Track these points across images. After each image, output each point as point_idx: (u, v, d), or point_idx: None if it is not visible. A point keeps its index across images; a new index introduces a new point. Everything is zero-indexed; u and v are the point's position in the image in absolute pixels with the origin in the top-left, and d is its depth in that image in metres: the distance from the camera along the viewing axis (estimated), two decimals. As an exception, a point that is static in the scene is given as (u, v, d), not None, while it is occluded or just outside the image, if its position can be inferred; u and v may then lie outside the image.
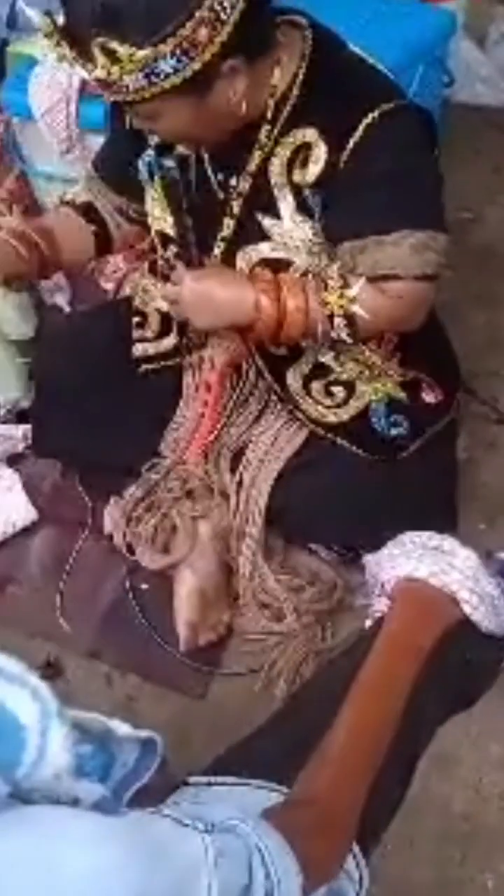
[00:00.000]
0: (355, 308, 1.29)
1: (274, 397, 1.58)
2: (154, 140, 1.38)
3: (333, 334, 1.33)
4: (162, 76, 1.12)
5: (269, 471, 1.57)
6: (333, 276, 1.30)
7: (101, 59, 1.10)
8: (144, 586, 1.71)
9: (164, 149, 1.37)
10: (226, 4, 1.09)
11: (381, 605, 1.07)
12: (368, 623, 1.10)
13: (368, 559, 1.10)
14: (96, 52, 1.10)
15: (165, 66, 1.10)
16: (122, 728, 0.85)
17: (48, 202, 2.35)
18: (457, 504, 1.64)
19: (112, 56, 1.09)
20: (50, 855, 0.61)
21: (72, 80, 2.06)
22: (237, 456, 1.62)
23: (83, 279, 2.25)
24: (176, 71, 1.11)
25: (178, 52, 1.09)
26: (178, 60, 1.10)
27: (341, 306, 1.29)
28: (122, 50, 1.08)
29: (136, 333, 1.64)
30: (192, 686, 1.59)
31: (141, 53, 1.08)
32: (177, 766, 1.44)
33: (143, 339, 1.64)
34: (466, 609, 1.00)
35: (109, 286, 2.21)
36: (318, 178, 1.28)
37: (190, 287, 1.35)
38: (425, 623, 0.99)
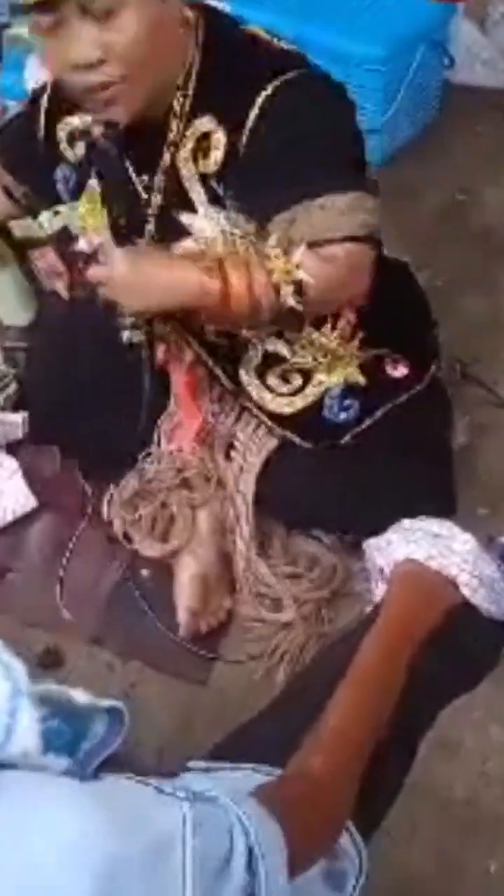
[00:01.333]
0: (300, 274, 1.21)
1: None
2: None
3: (282, 303, 1.22)
4: None
5: (254, 462, 1.57)
6: (274, 246, 1.22)
7: None
8: (145, 572, 1.70)
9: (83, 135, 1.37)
10: None
11: (379, 590, 1.07)
12: (369, 608, 1.10)
13: (367, 544, 1.10)
14: None
15: None
16: (81, 697, 0.84)
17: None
18: (454, 488, 1.63)
19: None
20: (19, 821, 0.61)
21: (68, 64, 2.05)
22: (230, 446, 1.62)
23: (81, 265, 2.23)
24: None
25: None
26: None
27: (287, 272, 1.20)
28: None
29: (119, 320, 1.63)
30: (194, 672, 1.59)
31: None
32: (178, 751, 1.46)
33: (124, 326, 1.62)
34: (466, 592, 1.00)
35: (107, 272, 2.20)
36: (220, 165, 1.27)
37: (122, 267, 1.26)
38: (423, 605, 0.99)
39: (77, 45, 1.14)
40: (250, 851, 0.70)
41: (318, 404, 1.51)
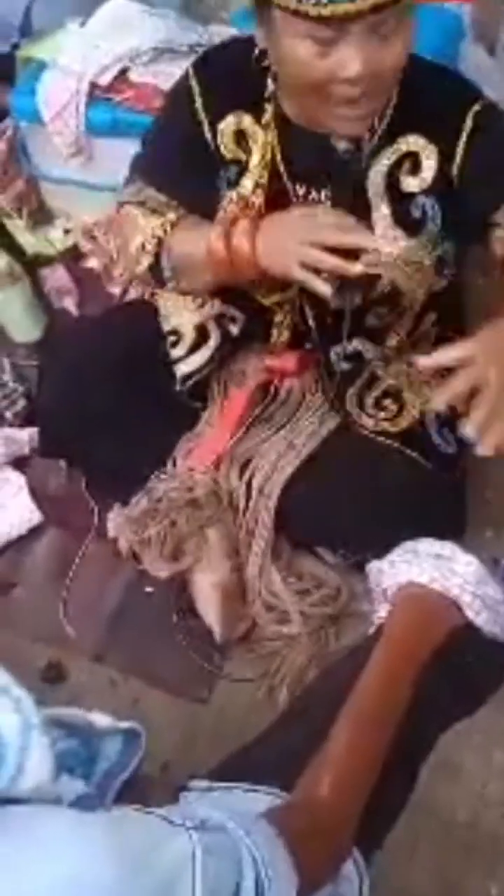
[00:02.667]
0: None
1: (297, 416, 1.60)
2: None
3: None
4: None
5: (282, 474, 1.57)
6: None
7: None
8: (149, 590, 1.71)
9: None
10: None
11: (383, 612, 1.07)
12: (372, 629, 1.10)
13: (371, 567, 1.10)
14: None
15: None
16: (102, 721, 0.85)
17: (55, 206, 2.36)
18: (466, 511, 1.63)
19: None
20: (30, 860, 0.61)
21: (80, 84, 2.07)
22: (245, 465, 1.62)
23: (91, 282, 2.25)
24: None
25: None
26: None
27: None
28: None
29: (171, 353, 1.63)
30: (196, 691, 1.59)
31: None
32: (180, 769, 1.45)
33: (177, 360, 1.62)
34: (469, 614, 1.00)
35: (116, 290, 2.21)
36: (432, 183, 1.30)
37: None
38: (426, 628, 0.99)
39: (355, 60, 1.13)
40: (258, 880, 0.71)
41: (422, 426, 1.52)
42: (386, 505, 1.50)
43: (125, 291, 2.16)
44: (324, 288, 1.23)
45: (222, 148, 1.40)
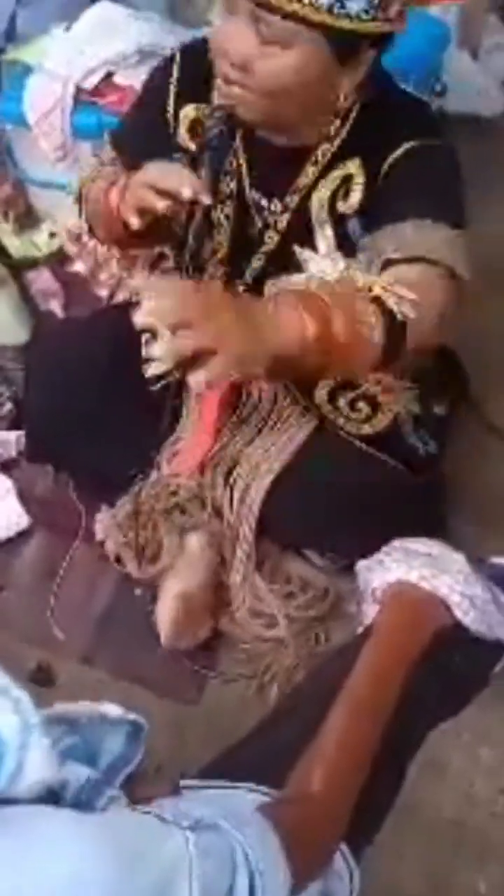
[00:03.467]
0: (401, 290, 1.09)
1: (272, 420, 1.58)
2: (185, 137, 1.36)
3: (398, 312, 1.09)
4: (342, 12, 1.08)
5: (263, 478, 1.58)
6: (363, 270, 1.22)
7: None
8: (137, 592, 1.71)
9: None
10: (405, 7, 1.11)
11: (371, 611, 1.08)
12: (360, 629, 1.11)
13: (360, 566, 1.11)
14: None
15: (354, 5, 1.08)
16: (112, 710, 0.85)
17: (41, 209, 2.36)
18: (445, 511, 1.64)
19: None
20: (26, 859, 0.61)
21: (66, 88, 2.07)
22: (230, 471, 1.62)
23: (77, 285, 2.25)
24: (357, 17, 1.09)
25: (373, 2, 1.09)
26: (366, 11, 1.09)
27: (385, 288, 1.09)
28: None
29: (145, 352, 1.62)
30: (186, 692, 1.60)
31: None
32: (172, 770, 1.46)
33: (152, 358, 1.61)
34: (457, 613, 1.01)
35: (104, 293, 2.21)
36: (360, 204, 1.29)
37: (218, 295, 1.10)
38: (415, 626, 1.00)
39: (228, 35, 1.15)
40: (252, 879, 0.71)
41: (396, 429, 1.52)
42: (363, 510, 1.52)
43: (112, 295, 2.17)
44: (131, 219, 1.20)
45: (178, 134, 1.40)
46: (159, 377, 1.59)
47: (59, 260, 2.30)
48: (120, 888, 0.62)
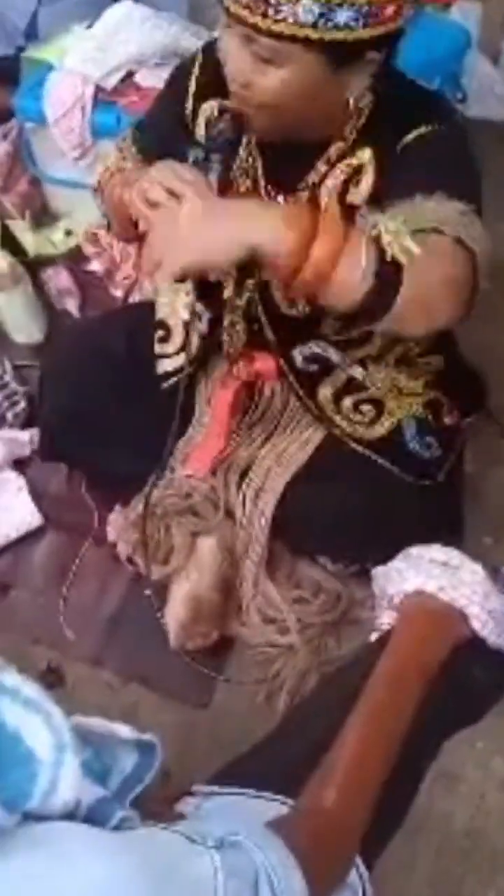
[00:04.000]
0: (408, 242, 1.04)
1: (285, 421, 1.57)
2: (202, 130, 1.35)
3: (370, 272, 1.04)
4: (330, 24, 1.05)
5: (275, 484, 1.57)
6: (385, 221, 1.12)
7: None
8: (148, 593, 1.70)
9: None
10: (408, 2, 1.06)
11: (387, 618, 1.07)
12: (374, 636, 1.10)
13: (376, 572, 1.10)
14: None
15: (342, 15, 1.05)
16: (124, 731, 0.84)
17: (58, 208, 2.36)
18: (464, 519, 1.63)
19: None
20: (58, 875, 0.60)
21: (86, 87, 2.07)
22: (244, 475, 1.62)
23: (93, 285, 2.25)
24: (345, 27, 1.06)
25: (364, 10, 1.05)
26: (356, 19, 1.05)
27: (398, 235, 1.05)
28: None
29: (157, 348, 1.63)
30: (195, 695, 1.59)
31: None
32: (179, 774, 1.45)
33: (164, 355, 1.62)
34: (475, 625, 1.00)
35: (119, 293, 2.21)
36: (370, 192, 1.27)
37: (197, 199, 1.10)
38: (434, 638, 0.99)
39: (234, 62, 1.16)
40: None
41: (397, 436, 1.50)
42: (372, 516, 1.50)
43: (128, 295, 2.16)
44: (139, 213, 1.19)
45: (196, 128, 1.39)
46: (170, 374, 1.60)
47: (75, 259, 2.30)
48: None
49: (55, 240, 2.32)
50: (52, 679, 1.60)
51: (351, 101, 1.19)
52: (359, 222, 1.19)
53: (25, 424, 1.95)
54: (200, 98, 1.38)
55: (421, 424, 1.52)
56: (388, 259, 1.04)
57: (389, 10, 1.07)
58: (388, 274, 1.04)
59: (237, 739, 1.22)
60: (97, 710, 1.54)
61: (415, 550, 1.08)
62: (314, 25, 1.05)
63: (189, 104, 1.40)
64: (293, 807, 0.91)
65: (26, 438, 1.90)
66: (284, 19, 1.06)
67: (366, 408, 1.49)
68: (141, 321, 1.67)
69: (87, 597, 1.72)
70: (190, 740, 1.52)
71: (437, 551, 1.05)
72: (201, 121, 1.39)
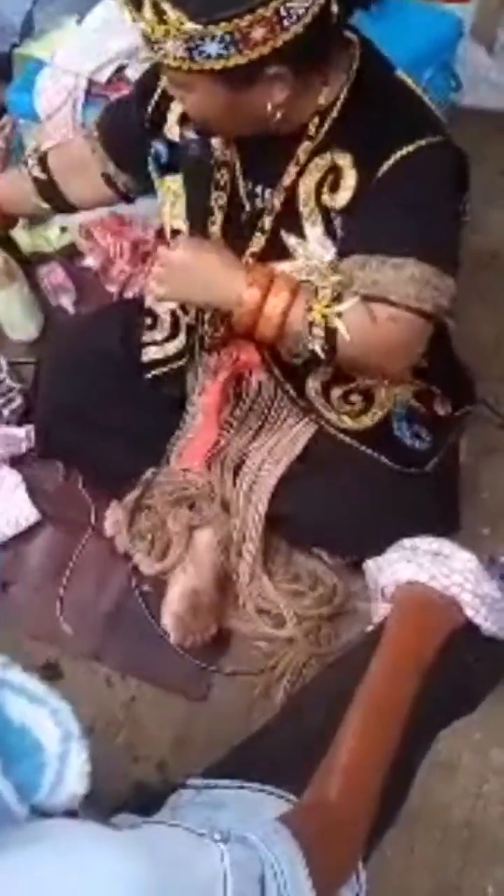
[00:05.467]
0: (337, 322, 1.24)
1: (275, 412, 1.57)
2: (174, 130, 1.37)
3: (308, 344, 1.28)
4: (203, 56, 1.08)
5: (268, 478, 1.56)
6: (328, 287, 1.26)
7: (149, 13, 1.06)
8: (146, 588, 1.70)
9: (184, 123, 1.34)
10: (292, 13, 1.05)
11: (382, 610, 1.07)
12: (370, 628, 1.10)
13: (368, 564, 1.10)
14: (147, 4, 1.06)
15: (210, 48, 1.07)
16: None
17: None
18: (458, 509, 1.63)
19: (161, 16, 1.05)
20: (70, 872, 0.61)
21: (77, 83, 2.06)
22: (238, 468, 1.61)
23: (88, 281, 2.25)
24: (219, 56, 1.07)
25: (227, 39, 1.06)
26: (225, 48, 1.07)
27: (324, 317, 1.24)
28: (171, 14, 1.05)
29: (145, 336, 1.63)
30: (193, 689, 1.59)
31: (189, 25, 1.05)
32: (176, 767, 1.45)
33: (152, 343, 1.62)
34: (469, 612, 1.00)
35: (114, 289, 2.21)
36: (347, 204, 1.26)
37: (181, 252, 1.32)
38: (428, 627, 0.99)
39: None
40: (278, 890, 0.71)
41: (386, 426, 1.51)
42: (365, 508, 1.51)
43: (122, 290, 2.16)
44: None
45: (166, 125, 1.40)
46: (156, 363, 1.60)
47: (70, 256, 2.29)
48: None
49: (50, 236, 2.31)
50: (50, 674, 1.60)
51: (276, 114, 1.19)
52: (335, 225, 1.28)
53: (21, 421, 1.95)
54: (168, 98, 1.38)
55: (411, 414, 1.52)
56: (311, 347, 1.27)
57: (257, 34, 1.06)
58: (325, 338, 1.26)
59: (234, 733, 1.22)
60: (96, 704, 1.56)
61: (406, 541, 1.07)
62: (191, 58, 1.09)
63: (153, 101, 1.41)
64: (297, 802, 0.91)
65: (22, 435, 1.90)
66: (166, 55, 1.10)
67: (355, 398, 1.49)
68: (135, 316, 1.67)
69: (85, 591, 1.72)
70: (188, 734, 1.53)
71: (428, 542, 1.05)
72: (171, 119, 1.39)
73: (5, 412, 1.96)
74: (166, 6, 1.05)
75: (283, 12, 1.05)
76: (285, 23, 1.06)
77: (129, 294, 2.14)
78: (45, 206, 1.63)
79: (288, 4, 1.04)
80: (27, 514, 1.80)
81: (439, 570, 1.00)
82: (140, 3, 1.07)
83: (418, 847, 1.38)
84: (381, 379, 1.47)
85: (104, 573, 1.74)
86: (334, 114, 1.24)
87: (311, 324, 1.25)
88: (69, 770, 0.66)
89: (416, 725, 0.97)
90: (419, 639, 0.99)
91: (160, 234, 1.60)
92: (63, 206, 1.64)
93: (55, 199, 1.62)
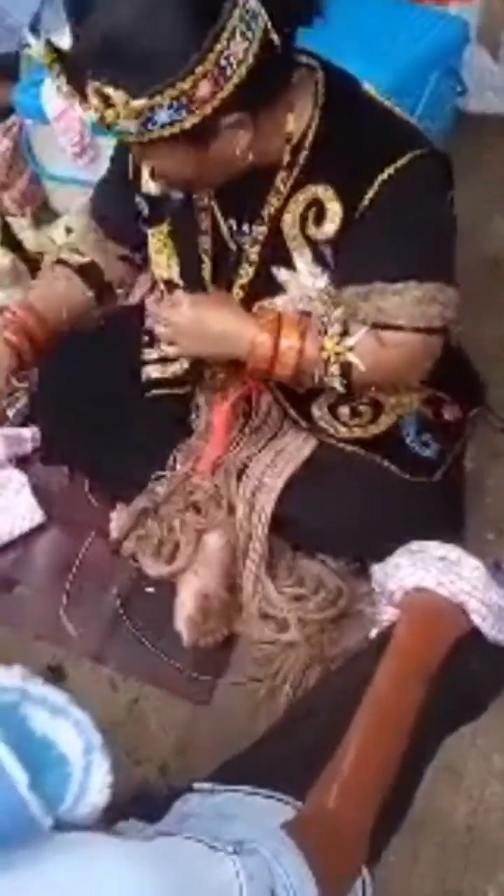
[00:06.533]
0: (351, 357, 1.26)
1: (287, 427, 1.57)
2: (150, 185, 1.36)
3: (326, 381, 1.30)
4: (158, 125, 1.07)
5: (273, 482, 1.56)
6: (334, 323, 1.27)
7: (95, 100, 1.06)
8: (150, 590, 1.70)
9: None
10: (232, 60, 1.04)
11: (387, 615, 1.07)
12: (374, 632, 1.10)
13: (375, 569, 1.10)
14: (91, 93, 1.06)
15: (161, 116, 1.06)
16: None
17: (59, 205, 2.36)
18: (465, 515, 1.63)
19: (106, 101, 1.05)
20: (86, 883, 0.61)
21: (86, 83, 2.07)
22: (240, 474, 1.61)
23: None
24: (173, 122, 1.07)
25: (175, 105, 1.05)
26: (176, 112, 1.06)
27: (338, 353, 1.26)
28: (115, 97, 1.04)
29: (144, 353, 1.63)
30: (197, 692, 1.59)
31: (136, 103, 1.04)
32: (178, 771, 1.46)
33: (150, 361, 1.63)
34: (475, 619, 1.00)
35: (119, 291, 2.21)
36: (334, 236, 1.27)
37: (187, 311, 1.34)
38: (436, 634, 0.99)
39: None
40: None
41: (396, 433, 1.51)
42: (371, 514, 1.51)
43: (127, 294, 2.16)
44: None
45: (142, 181, 1.40)
46: (156, 382, 1.60)
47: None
48: None
49: (56, 237, 2.31)
50: (53, 675, 1.60)
51: (246, 156, 1.18)
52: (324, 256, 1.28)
53: (26, 422, 1.95)
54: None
55: (420, 420, 1.52)
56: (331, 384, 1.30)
57: (203, 91, 1.05)
58: (342, 374, 1.28)
59: (237, 737, 1.22)
60: (99, 706, 1.56)
61: (414, 545, 1.08)
62: (148, 129, 1.08)
63: (131, 163, 1.42)
64: (300, 810, 0.91)
65: (28, 436, 1.90)
66: (122, 132, 1.10)
67: (363, 408, 1.50)
68: (139, 323, 1.68)
69: (89, 593, 1.72)
70: (191, 737, 1.53)
71: (435, 547, 1.05)
72: (146, 173, 1.38)
73: (10, 412, 1.96)
74: (109, 90, 1.05)
75: (222, 63, 1.04)
76: (227, 72, 1.05)
77: (133, 298, 2.15)
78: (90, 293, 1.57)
79: (226, 54, 1.04)
80: (32, 515, 1.80)
81: (447, 577, 1.01)
82: (84, 93, 1.07)
83: (421, 852, 1.38)
84: (392, 392, 1.48)
85: (109, 575, 1.73)
86: (308, 145, 1.24)
87: (326, 362, 1.27)
88: (92, 782, 0.66)
89: (422, 732, 0.98)
90: (426, 646, 0.99)
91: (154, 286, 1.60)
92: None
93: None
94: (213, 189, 1.32)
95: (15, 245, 2.23)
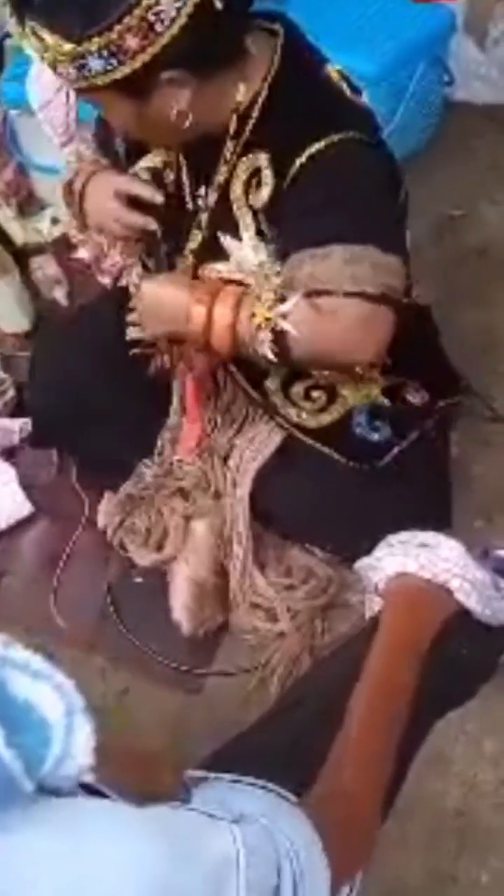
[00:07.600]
0: (283, 323, 1.21)
1: (254, 406, 1.56)
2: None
3: (260, 350, 1.25)
4: (92, 72, 1.10)
5: (247, 473, 1.57)
6: (269, 291, 1.25)
7: (35, 42, 1.11)
8: (139, 580, 1.70)
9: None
10: (163, 17, 1.05)
11: (376, 606, 1.07)
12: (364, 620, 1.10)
13: (359, 564, 1.10)
14: (29, 33, 1.10)
15: (94, 63, 1.09)
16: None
17: (45, 196, 2.35)
18: (451, 503, 1.63)
19: (43, 43, 1.09)
20: (79, 851, 0.60)
21: (71, 73, 2.06)
22: (227, 459, 1.61)
23: (81, 273, 2.24)
24: (105, 71, 1.10)
25: (105, 53, 1.08)
26: (107, 61, 1.09)
27: (268, 319, 1.22)
28: (49, 39, 1.08)
29: (129, 316, 1.63)
30: (187, 681, 1.59)
31: (67, 47, 1.07)
32: (171, 759, 1.45)
33: (132, 323, 1.62)
34: (460, 597, 1.00)
35: (107, 281, 2.20)
36: (267, 202, 1.27)
37: (141, 292, 1.35)
38: (422, 615, 1.00)
39: None
40: (294, 878, 0.71)
41: (345, 421, 1.50)
42: (320, 507, 1.51)
43: (115, 282, 2.15)
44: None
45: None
46: (137, 342, 1.60)
47: (63, 247, 2.29)
48: (172, 882, 0.61)
49: (42, 228, 2.30)
50: (44, 666, 1.60)
51: (183, 117, 1.18)
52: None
53: (15, 413, 1.94)
54: None
55: (374, 410, 1.51)
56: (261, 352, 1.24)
57: (132, 43, 1.07)
58: (274, 341, 1.23)
59: (228, 725, 1.22)
60: (89, 696, 1.55)
61: (392, 538, 1.08)
62: (83, 77, 1.11)
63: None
64: (309, 794, 0.91)
65: (16, 427, 1.90)
66: (62, 76, 1.13)
67: (316, 394, 1.48)
68: (126, 306, 1.67)
69: (79, 583, 1.72)
70: (182, 726, 1.53)
71: (412, 534, 1.06)
72: None
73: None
74: (44, 34, 1.09)
75: (151, 18, 1.05)
76: (157, 28, 1.06)
77: (121, 285, 2.14)
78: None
79: (156, 9, 1.05)
80: (20, 506, 1.80)
81: (427, 559, 1.01)
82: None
83: (413, 837, 1.39)
84: (352, 376, 1.45)
85: (98, 565, 1.74)
86: (255, 115, 1.24)
87: (258, 328, 1.23)
88: (75, 742, 0.65)
89: (414, 716, 0.98)
90: (415, 626, 0.99)
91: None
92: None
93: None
94: (172, 148, 1.34)
95: (1, 237, 2.22)
